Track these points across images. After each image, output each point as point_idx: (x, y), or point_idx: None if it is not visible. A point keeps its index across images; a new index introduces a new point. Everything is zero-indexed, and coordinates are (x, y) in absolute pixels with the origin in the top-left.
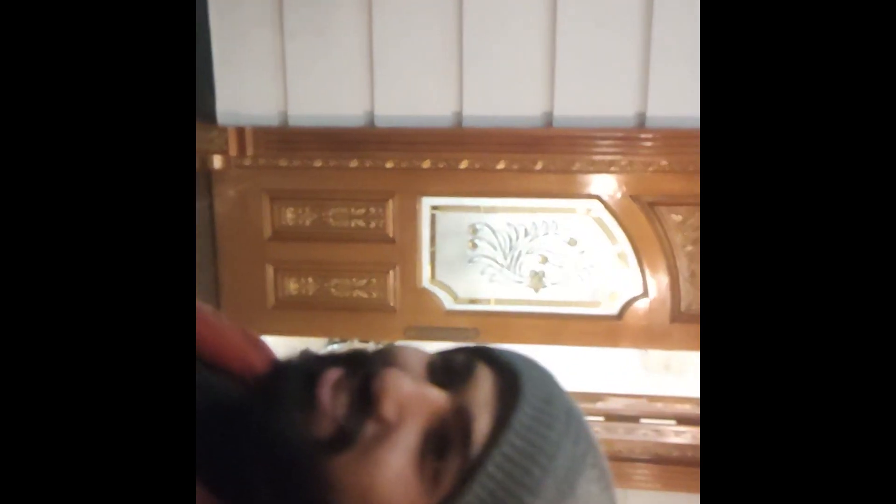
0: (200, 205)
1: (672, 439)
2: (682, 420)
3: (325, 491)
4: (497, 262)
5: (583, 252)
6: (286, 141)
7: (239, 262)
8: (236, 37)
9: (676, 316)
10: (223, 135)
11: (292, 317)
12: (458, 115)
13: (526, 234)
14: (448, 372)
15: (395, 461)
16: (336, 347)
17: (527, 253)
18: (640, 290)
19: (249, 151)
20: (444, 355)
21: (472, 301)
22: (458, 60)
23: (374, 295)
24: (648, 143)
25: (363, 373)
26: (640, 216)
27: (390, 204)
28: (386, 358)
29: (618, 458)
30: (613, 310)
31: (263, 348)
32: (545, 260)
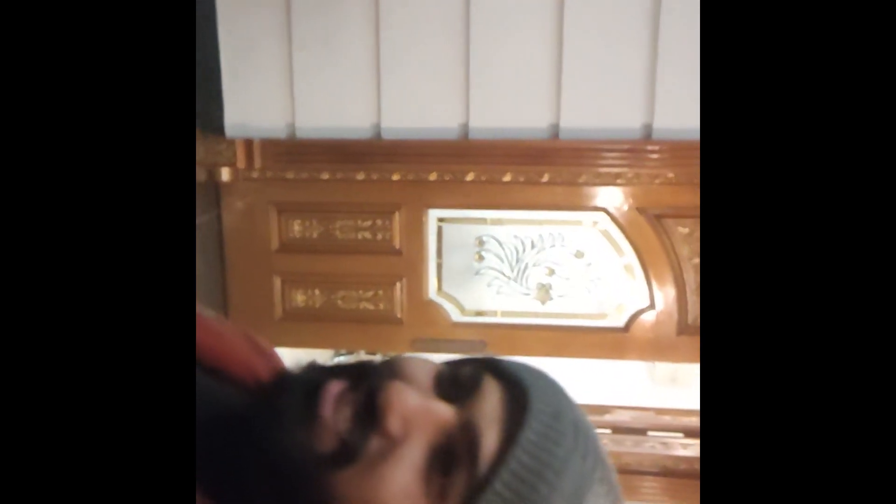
0: (209, 217)
1: (679, 452)
2: (690, 433)
3: None
4: (504, 275)
5: (589, 264)
6: (294, 153)
7: (246, 274)
8: (244, 50)
9: (683, 328)
10: (231, 147)
11: (299, 328)
12: (465, 128)
13: (532, 246)
14: (455, 384)
15: (401, 477)
16: (343, 359)
17: (533, 265)
18: (646, 303)
19: (257, 164)
20: (452, 366)
21: (479, 313)
22: (464, 73)
23: (381, 307)
24: (655, 155)
25: (368, 386)
26: (646, 228)
27: (397, 216)
28: (392, 370)
29: (626, 471)
30: (620, 322)
31: (270, 356)
32: (552, 272)
